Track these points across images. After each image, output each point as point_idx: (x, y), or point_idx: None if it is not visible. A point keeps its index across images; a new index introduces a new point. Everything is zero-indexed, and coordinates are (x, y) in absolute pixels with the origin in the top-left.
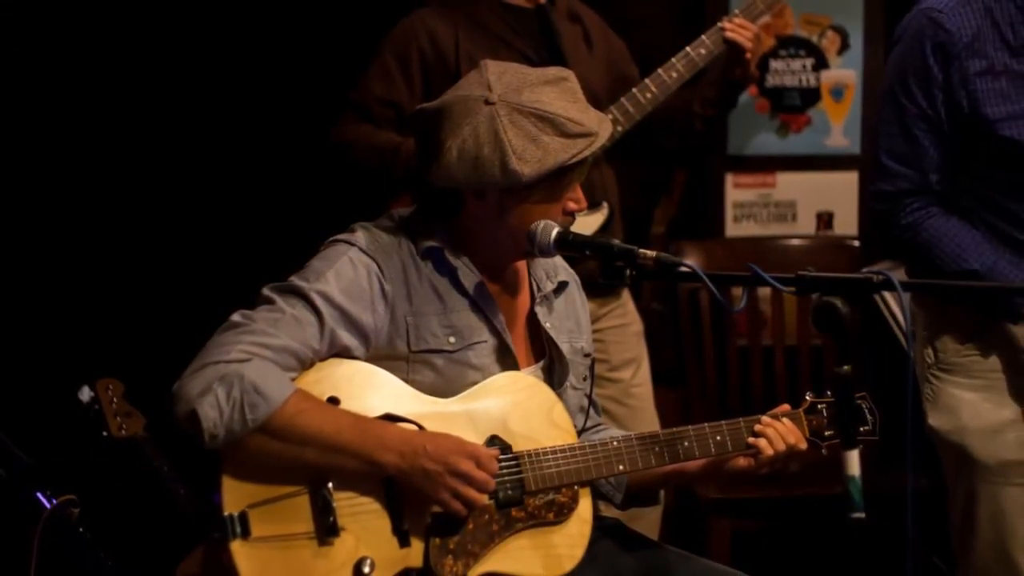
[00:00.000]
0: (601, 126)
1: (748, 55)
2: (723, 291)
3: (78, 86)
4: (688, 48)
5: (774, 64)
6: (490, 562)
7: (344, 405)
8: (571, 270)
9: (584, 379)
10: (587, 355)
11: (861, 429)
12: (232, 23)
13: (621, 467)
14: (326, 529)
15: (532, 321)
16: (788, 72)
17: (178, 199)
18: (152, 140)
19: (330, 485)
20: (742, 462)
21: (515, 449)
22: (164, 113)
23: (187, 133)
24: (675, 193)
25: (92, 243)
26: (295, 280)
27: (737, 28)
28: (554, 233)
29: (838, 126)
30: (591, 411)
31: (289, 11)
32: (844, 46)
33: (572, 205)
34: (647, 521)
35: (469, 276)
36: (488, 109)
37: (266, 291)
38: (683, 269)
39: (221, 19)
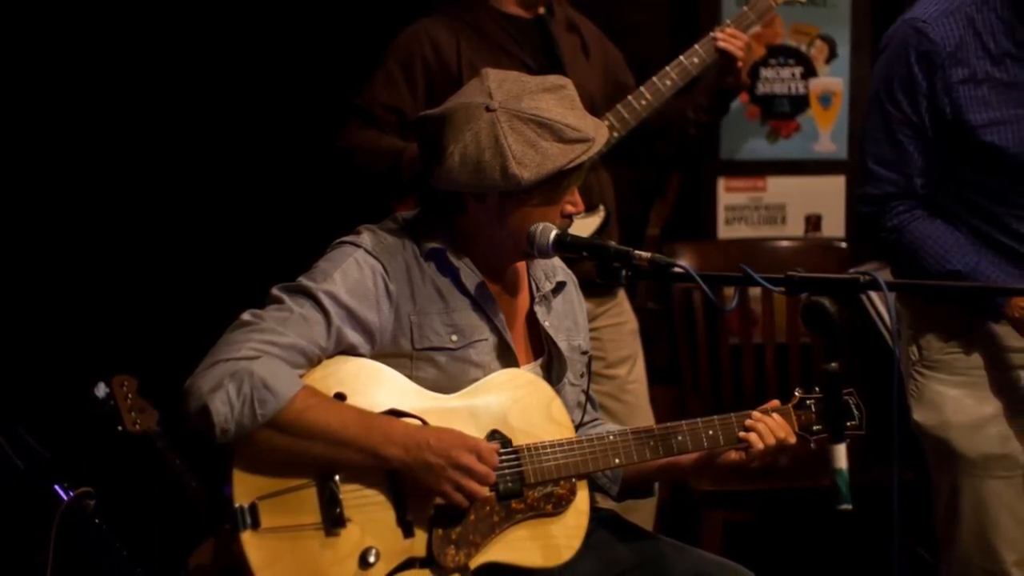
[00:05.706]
0: (598, 132)
1: (739, 63)
2: (715, 291)
3: (110, 90)
4: (681, 57)
5: (764, 72)
6: (491, 552)
7: (350, 401)
8: (569, 271)
9: (581, 376)
10: (584, 352)
11: (848, 424)
12: (242, 30)
13: (617, 460)
14: (333, 520)
15: (531, 320)
16: (778, 80)
17: (191, 201)
18: (165, 143)
19: (337, 478)
20: (734, 456)
21: (515, 443)
22: (177, 117)
23: (199, 137)
24: (669, 196)
25: (107, 243)
26: (303, 280)
27: (729, 38)
28: (552, 235)
29: (826, 132)
30: (588, 407)
31: (297, 19)
32: (832, 55)
33: (570, 208)
34: (642, 513)
35: (471, 276)
36: (489, 116)
37: (275, 291)
38: (677, 270)
39: (232, 26)
